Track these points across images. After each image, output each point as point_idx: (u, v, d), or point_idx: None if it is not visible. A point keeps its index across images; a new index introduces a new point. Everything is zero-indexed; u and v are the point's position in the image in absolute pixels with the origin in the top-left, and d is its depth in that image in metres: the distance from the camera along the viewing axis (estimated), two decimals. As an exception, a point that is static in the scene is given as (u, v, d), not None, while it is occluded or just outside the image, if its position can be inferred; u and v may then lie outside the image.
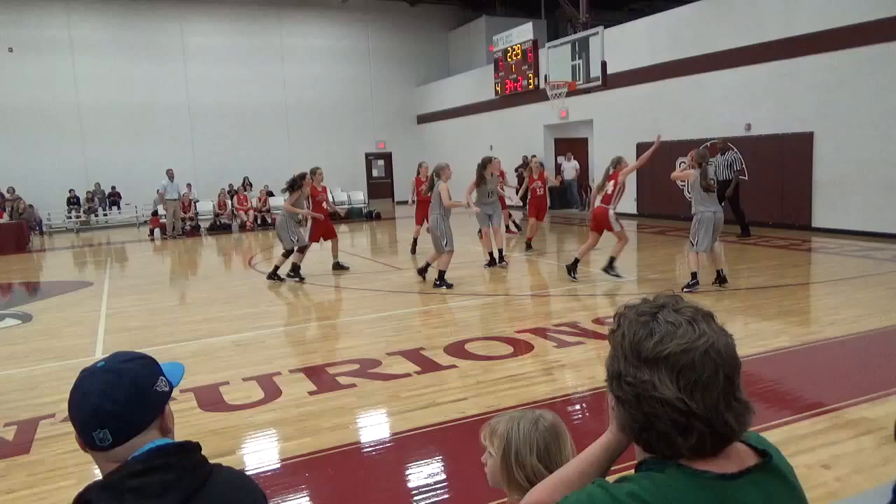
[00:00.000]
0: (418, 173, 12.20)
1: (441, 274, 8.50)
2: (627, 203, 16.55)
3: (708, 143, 13.88)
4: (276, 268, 9.70)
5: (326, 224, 10.02)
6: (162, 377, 1.24)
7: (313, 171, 9.87)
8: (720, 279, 7.78)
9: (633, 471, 1.06)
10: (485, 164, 9.77)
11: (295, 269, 9.58)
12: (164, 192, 17.46)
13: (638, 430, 1.00)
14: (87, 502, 1.11)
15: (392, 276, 9.94)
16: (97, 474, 1.19)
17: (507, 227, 13.60)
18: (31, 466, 3.74)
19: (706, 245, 7.51)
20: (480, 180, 9.70)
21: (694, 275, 7.64)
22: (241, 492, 1.24)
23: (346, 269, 10.29)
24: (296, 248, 9.58)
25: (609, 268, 8.57)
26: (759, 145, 13.02)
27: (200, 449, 1.22)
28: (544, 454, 1.58)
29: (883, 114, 10.89)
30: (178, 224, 17.62)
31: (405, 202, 11.28)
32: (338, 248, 10.43)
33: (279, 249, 14.60)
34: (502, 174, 11.96)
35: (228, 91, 22.69)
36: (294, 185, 9.39)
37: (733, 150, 11.90)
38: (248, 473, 1.34)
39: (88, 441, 1.18)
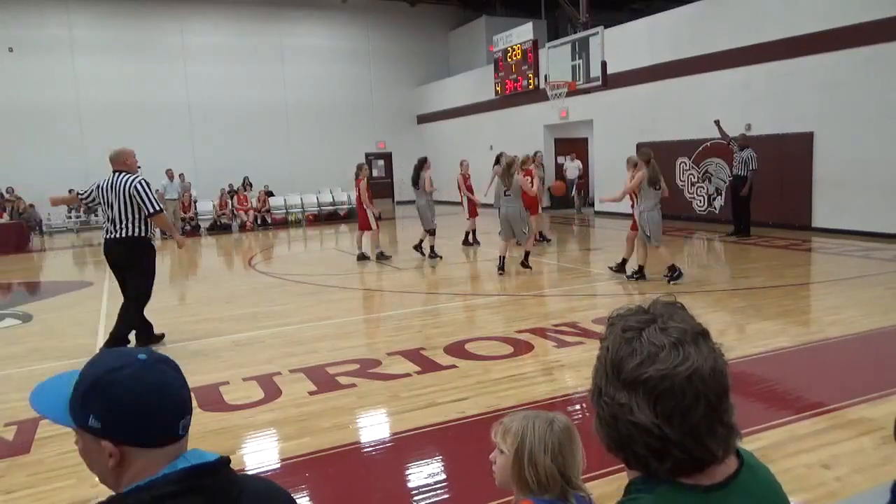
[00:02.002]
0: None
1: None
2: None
3: (704, 144, 13.91)
4: (431, 247, 10.97)
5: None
6: None
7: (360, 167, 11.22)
8: (641, 273, 8.38)
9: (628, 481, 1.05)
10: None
11: (427, 247, 11.01)
12: (164, 192, 17.45)
13: (615, 448, 0.99)
14: None
15: (392, 276, 9.94)
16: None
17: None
18: (31, 466, 3.74)
19: (659, 239, 8.16)
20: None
21: (673, 266, 8.17)
22: None
23: (369, 258, 11.12)
24: (431, 231, 10.95)
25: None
26: (759, 145, 13.00)
27: (230, 463, 1.14)
28: (558, 455, 1.58)
29: (883, 114, 10.88)
30: (178, 224, 17.62)
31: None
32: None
33: (280, 249, 14.68)
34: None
35: (228, 91, 22.67)
36: (422, 168, 10.97)
37: (750, 147, 11.79)
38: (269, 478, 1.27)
39: (169, 433, 1.07)
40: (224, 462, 1.11)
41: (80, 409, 1.06)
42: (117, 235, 5.80)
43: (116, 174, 5.87)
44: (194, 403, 4.56)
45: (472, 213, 12.36)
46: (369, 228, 10.97)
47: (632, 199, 8.42)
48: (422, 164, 11.06)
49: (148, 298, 6.20)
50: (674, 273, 8.14)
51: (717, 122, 12.20)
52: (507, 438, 1.61)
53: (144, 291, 6.11)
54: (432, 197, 11.11)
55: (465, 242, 12.46)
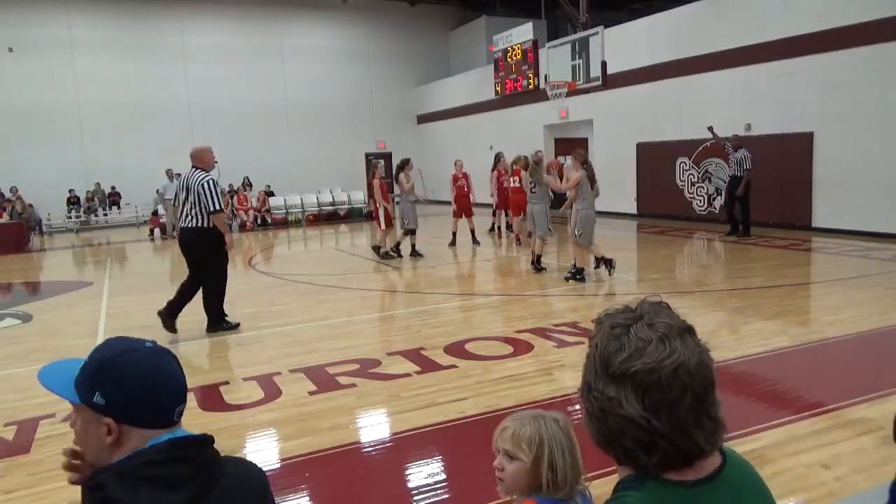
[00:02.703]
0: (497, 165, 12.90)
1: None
2: (628, 203, 16.60)
3: (704, 144, 13.91)
4: (412, 245, 11.28)
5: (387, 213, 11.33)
6: None
7: (372, 164, 11.69)
8: (609, 266, 8.53)
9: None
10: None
11: (406, 246, 11.23)
12: (164, 192, 17.44)
13: (604, 444, 1.00)
14: (100, 486, 1.08)
15: (392, 276, 9.94)
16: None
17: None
18: (31, 466, 3.74)
19: (591, 240, 8.42)
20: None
21: (581, 269, 8.44)
22: (250, 487, 1.25)
23: (398, 255, 11.29)
24: (409, 231, 11.18)
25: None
26: (759, 145, 13.00)
27: (214, 442, 1.21)
28: (573, 454, 1.58)
29: (883, 114, 10.88)
30: (178, 224, 17.60)
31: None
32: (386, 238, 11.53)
33: (280, 250, 14.67)
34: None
35: (228, 91, 22.68)
36: (401, 169, 11.07)
37: (744, 148, 11.80)
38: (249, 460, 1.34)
39: (164, 419, 1.15)
40: (209, 439, 1.18)
41: (88, 386, 1.14)
42: (185, 225, 6.52)
43: (193, 170, 6.48)
44: (194, 403, 4.55)
45: (456, 214, 12.55)
46: (388, 225, 11.17)
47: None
48: (402, 165, 11.26)
49: (222, 280, 6.79)
50: (577, 274, 8.43)
51: (710, 128, 12.25)
52: (523, 445, 1.57)
53: (216, 276, 6.70)
54: (410, 197, 11.24)
55: (452, 244, 12.46)
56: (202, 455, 1.16)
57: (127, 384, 1.13)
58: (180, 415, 1.18)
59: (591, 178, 8.34)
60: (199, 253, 6.50)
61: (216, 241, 6.44)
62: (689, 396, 0.94)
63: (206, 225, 6.38)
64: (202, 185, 6.30)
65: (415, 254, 11.19)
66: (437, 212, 18.66)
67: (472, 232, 12.54)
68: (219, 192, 6.39)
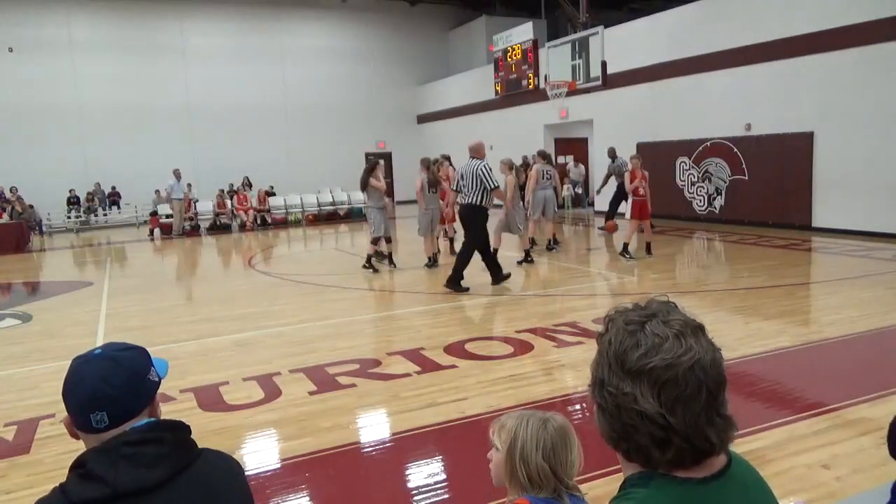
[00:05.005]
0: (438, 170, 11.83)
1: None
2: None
3: (704, 144, 13.89)
4: (369, 255, 10.18)
5: None
6: (153, 368, 1.31)
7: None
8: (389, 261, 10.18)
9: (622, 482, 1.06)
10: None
11: (371, 252, 10.23)
12: (171, 191, 17.38)
13: (616, 440, 1.00)
14: (82, 463, 1.17)
15: (392, 276, 9.93)
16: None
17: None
18: (31, 466, 3.74)
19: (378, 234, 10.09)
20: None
21: (434, 259, 10.03)
22: (227, 473, 1.32)
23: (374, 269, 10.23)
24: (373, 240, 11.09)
25: (624, 252, 10.15)
26: (759, 145, 13.01)
27: (191, 431, 1.29)
28: (550, 454, 1.58)
29: (883, 114, 10.88)
30: (181, 224, 17.59)
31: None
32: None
33: (280, 250, 14.68)
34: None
35: (228, 91, 22.67)
36: (370, 172, 10.53)
37: (620, 157, 13.44)
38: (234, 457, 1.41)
39: (84, 424, 1.22)
40: (182, 424, 1.28)
41: None
42: (464, 202, 8.18)
43: (472, 160, 8.22)
44: (194, 403, 4.53)
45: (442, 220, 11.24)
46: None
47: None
48: (370, 168, 10.24)
49: (479, 246, 8.25)
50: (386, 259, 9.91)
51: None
52: (502, 435, 1.63)
53: (475, 242, 8.20)
54: (371, 202, 10.16)
55: (445, 251, 11.40)
56: (178, 438, 1.25)
57: (63, 387, 1.25)
58: (101, 422, 1.22)
59: (364, 184, 9.97)
60: (471, 223, 8.08)
61: (483, 217, 8.10)
62: (703, 393, 0.95)
63: (481, 203, 8.01)
64: (481, 169, 8.02)
65: (390, 262, 10.44)
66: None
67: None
68: (492, 173, 8.10)
